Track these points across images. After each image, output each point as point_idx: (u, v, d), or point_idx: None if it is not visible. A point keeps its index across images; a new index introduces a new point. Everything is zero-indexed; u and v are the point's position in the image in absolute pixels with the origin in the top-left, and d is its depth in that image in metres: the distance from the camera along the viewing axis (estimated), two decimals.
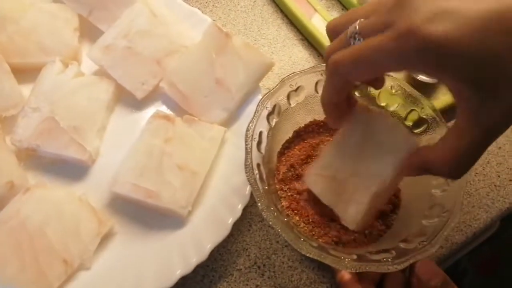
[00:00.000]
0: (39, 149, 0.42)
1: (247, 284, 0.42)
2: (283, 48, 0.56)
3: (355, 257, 0.37)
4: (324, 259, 0.35)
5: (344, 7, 0.60)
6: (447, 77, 0.27)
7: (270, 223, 0.36)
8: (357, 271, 0.35)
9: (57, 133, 0.43)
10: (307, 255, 0.35)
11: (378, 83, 0.37)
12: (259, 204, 0.37)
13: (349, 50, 0.30)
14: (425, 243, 0.36)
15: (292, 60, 0.56)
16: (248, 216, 0.45)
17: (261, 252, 0.43)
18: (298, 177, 0.44)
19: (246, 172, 0.38)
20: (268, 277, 0.42)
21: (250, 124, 0.41)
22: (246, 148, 0.39)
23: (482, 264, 0.90)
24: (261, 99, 0.42)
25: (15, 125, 0.43)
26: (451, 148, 0.29)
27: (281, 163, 0.45)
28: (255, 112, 0.41)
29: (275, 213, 0.37)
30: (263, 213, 0.36)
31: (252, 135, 0.41)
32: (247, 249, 0.43)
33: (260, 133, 0.42)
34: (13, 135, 0.43)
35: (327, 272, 0.43)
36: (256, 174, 0.39)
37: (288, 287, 0.42)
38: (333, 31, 0.33)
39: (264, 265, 0.43)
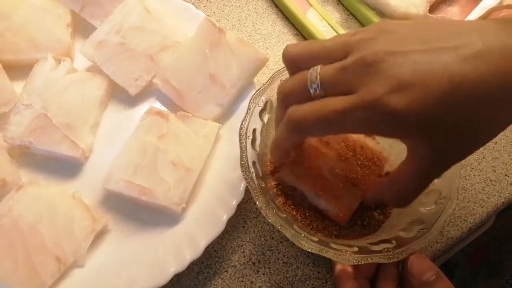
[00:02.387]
0: (31, 146, 0.42)
1: (242, 281, 0.41)
2: (277, 43, 0.56)
3: (356, 249, 0.37)
4: (325, 253, 0.35)
5: (339, 1, 0.59)
6: (407, 139, 0.30)
7: (270, 220, 0.36)
8: (359, 264, 0.35)
9: (49, 130, 0.42)
10: (309, 250, 0.35)
11: None
12: (257, 203, 0.36)
13: (311, 108, 0.30)
14: (424, 230, 0.37)
15: None
16: (243, 213, 0.45)
17: (256, 248, 0.43)
18: None
19: (242, 171, 0.38)
20: (263, 274, 0.42)
21: (243, 122, 0.41)
22: (241, 147, 0.39)
23: (473, 255, 0.91)
24: (253, 96, 0.42)
25: (7, 122, 0.43)
26: (396, 180, 0.34)
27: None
28: (247, 110, 0.41)
29: (274, 210, 0.37)
30: (262, 211, 0.36)
31: (246, 133, 0.40)
32: (242, 246, 0.43)
33: (254, 130, 0.42)
34: (5, 132, 0.42)
35: (322, 268, 0.43)
36: (252, 172, 0.39)
37: (283, 283, 0.42)
38: (293, 61, 0.33)
39: (259, 261, 0.42)
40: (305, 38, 0.56)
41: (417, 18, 0.52)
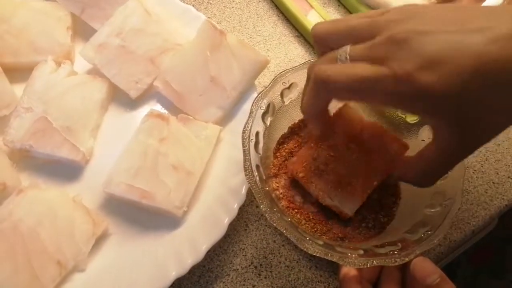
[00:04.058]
0: (32, 149, 0.42)
1: (243, 284, 0.41)
2: (278, 45, 0.56)
3: (361, 252, 0.37)
4: (331, 257, 0.35)
5: (340, 3, 0.59)
6: (433, 119, 0.30)
7: (275, 224, 0.36)
8: (364, 267, 0.35)
9: (50, 133, 0.42)
10: (314, 254, 0.35)
11: None
12: (261, 207, 0.36)
13: (341, 68, 0.30)
14: (429, 233, 0.36)
15: (288, 57, 0.55)
16: (245, 216, 0.44)
17: (258, 252, 0.43)
18: None
19: (246, 175, 0.38)
20: (265, 277, 0.42)
21: (246, 125, 0.41)
22: (244, 151, 0.39)
23: (475, 255, 0.90)
24: (255, 99, 0.42)
25: (8, 126, 0.43)
26: (423, 161, 0.33)
27: (277, 159, 0.45)
28: (250, 113, 0.41)
29: (278, 214, 0.36)
30: (266, 215, 0.36)
31: (249, 136, 0.40)
32: (243, 249, 0.43)
33: (257, 133, 0.42)
34: (6, 135, 0.42)
35: (324, 271, 0.42)
36: (256, 176, 0.38)
37: (285, 287, 0.41)
38: (321, 39, 0.33)
39: (261, 265, 0.42)
40: (306, 40, 0.56)
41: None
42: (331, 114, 0.41)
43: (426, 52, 0.27)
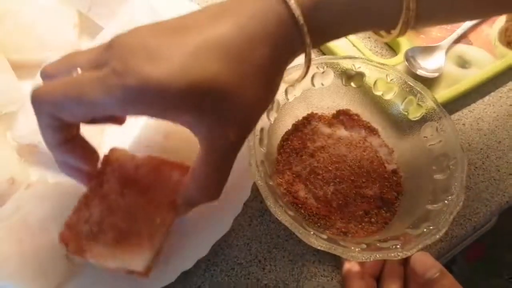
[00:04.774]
0: (40, 145, 0.42)
1: (248, 278, 0.42)
2: None
3: (364, 246, 0.37)
4: (334, 250, 0.36)
5: None
6: (172, 116, 0.27)
7: (280, 219, 0.36)
8: (367, 261, 0.36)
9: None
10: (318, 248, 0.36)
11: (117, 120, 0.34)
12: (267, 202, 0.37)
13: (55, 82, 0.27)
14: (431, 227, 0.37)
15: None
16: (249, 211, 0.45)
17: (262, 246, 0.43)
18: None
19: (251, 170, 0.38)
20: (269, 271, 0.42)
21: None
22: (249, 146, 0.40)
23: (470, 251, 0.91)
24: None
25: (16, 121, 0.43)
26: (197, 177, 0.31)
27: (281, 155, 0.46)
28: None
29: (283, 209, 0.37)
30: (271, 210, 0.37)
31: (254, 132, 0.41)
32: (248, 244, 0.43)
33: (262, 129, 0.42)
34: (14, 131, 0.43)
35: (328, 265, 0.43)
36: (261, 171, 0.39)
37: (289, 281, 0.42)
38: (47, 76, 0.30)
39: (265, 259, 0.43)
40: None
41: None
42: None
43: (143, 47, 0.25)
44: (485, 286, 0.90)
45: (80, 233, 0.35)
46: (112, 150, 0.39)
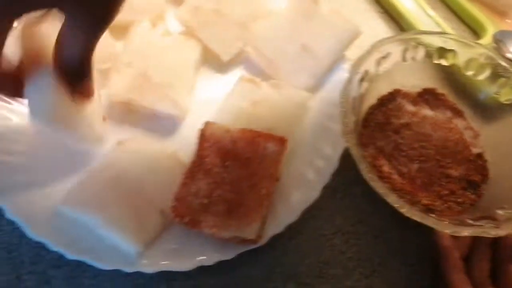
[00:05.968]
0: (133, 102, 0.43)
1: (332, 250, 0.42)
2: (362, 21, 0.55)
3: (457, 222, 0.36)
4: (426, 220, 0.35)
5: None
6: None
7: (372, 184, 0.36)
8: (458, 234, 0.35)
9: (150, 88, 0.43)
10: (411, 217, 0.35)
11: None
12: (361, 167, 0.36)
13: None
14: None
15: (372, 33, 0.54)
16: (333, 184, 0.44)
17: (345, 220, 0.43)
18: None
19: (344, 137, 0.38)
20: (353, 245, 0.42)
21: (345, 89, 0.41)
22: (342, 112, 0.39)
23: None
24: (354, 63, 0.42)
25: (108, 79, 0.43)
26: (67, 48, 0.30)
27: (365, 129, 0.45)
28: (349, 76, 0.41)
29: (375, 177, 0.37)
30: (366, 176, 0.36)
31: (347, 99, 0.40)
32: (331, 216, 0.43)
33: (354, 98, 0.42)
34: (107, 88, 0.43)
35: (412, 244, 0.42)
36: (354, 138, 0.39)
37: (373, 256, 0.41)
38: None
39: (348, 232, 0.42)
40: (391, 17, 0.56)
41: None
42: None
43: None
44: None
45: (191, 206, 0.36)
46: (206, 125, 0.40)
